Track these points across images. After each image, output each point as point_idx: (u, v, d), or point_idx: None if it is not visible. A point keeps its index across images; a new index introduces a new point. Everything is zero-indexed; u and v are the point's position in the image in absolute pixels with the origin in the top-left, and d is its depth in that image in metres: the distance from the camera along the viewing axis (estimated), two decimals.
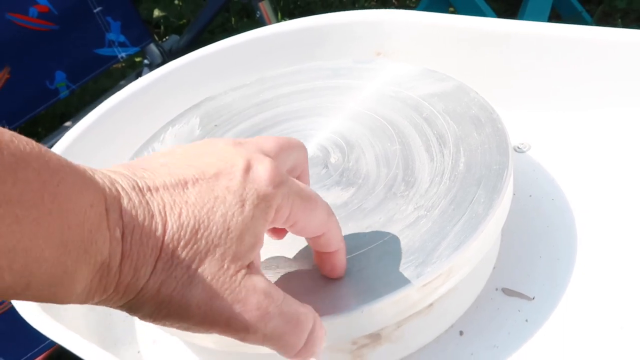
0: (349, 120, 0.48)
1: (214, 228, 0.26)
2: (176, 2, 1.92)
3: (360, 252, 0.37)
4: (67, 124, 1.30)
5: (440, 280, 0.35)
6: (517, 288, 0.41)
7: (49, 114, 1.25)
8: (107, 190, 0.24)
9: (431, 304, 0.37)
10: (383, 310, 0.34)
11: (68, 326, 0.39)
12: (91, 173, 0.25)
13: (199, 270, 0.25)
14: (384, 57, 0.60)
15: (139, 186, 0.26)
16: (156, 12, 1.74)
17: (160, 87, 0.60)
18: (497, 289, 0.41)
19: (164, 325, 0.27)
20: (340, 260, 0.34)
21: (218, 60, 0.62)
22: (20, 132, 0.22)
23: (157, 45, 1.30)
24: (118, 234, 0.24)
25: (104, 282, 0.24)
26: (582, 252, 0.43)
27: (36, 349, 1.03)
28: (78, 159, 0.51)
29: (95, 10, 1.19)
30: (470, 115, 0.45)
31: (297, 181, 0.30)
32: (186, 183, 0.27)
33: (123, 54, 1.25)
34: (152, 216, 0.25)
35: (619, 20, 1.50)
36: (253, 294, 0.26)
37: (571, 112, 0.52)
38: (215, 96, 0.55)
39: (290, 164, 0.33)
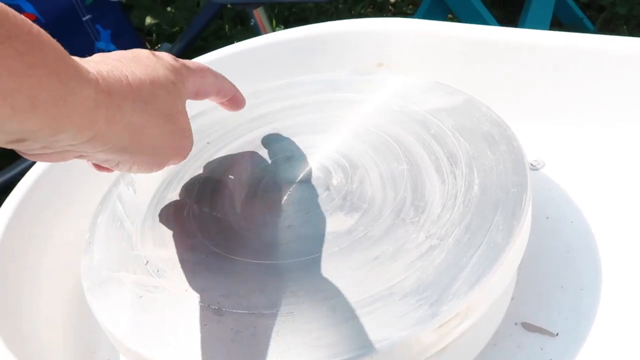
0: (351, 137, 0.44)
1: (163, 81, 0.34)
2: (169, 9, 1.89)
3: (367, 287, 0.33)
4: None
5: (457, 320, 0.32)
6: (538, 322, 0.38)
7: None
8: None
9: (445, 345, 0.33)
10: (394, 353, 0.31)
11: None
12: None
13: (167, 110, 0.34)
14: (385, 68, 0.56)
15: (87, 60, 0.31)
16: (148, 20, 1.70)
17: None
18: (516, 324, 0.38)
19: (140, 169, 0.34)
20: (240, 97, 0.44)
21: (216, 69, 0.59)
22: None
23: None
24: (94, 76, 0.29)
25: (95, 113, 0.28)
26: (607, 280, 0.39)
27: None
28: (71, 173, 0.47)
29: (84, 19, 1.16)
30: (482, 131, 0.42)
31: (188, 61, 0.39)
32: (120, 60, 0.33)
33: None
34: (112, 71, 0.31)
35: (624, 27, 1.47)
36: (189, 128, 0.37)
37: (587, 127, 0.49)
38: (207, 111, 0.51)
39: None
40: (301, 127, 0.47)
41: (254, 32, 1.07)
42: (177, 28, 1.79)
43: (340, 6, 1.83)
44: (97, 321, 0.36)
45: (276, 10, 1.83)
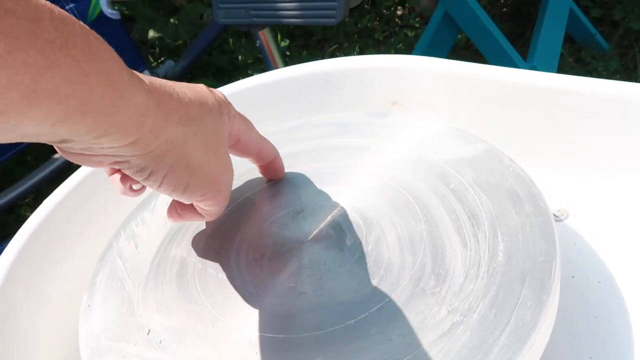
0: (366, 191, 0.42)
1: (212, 108, 0.35)
2: (172, 20, 1.87)
3: None
4: (57, 155, 1.24)
5: None
6: None
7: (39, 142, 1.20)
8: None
9: None
10: None
11: None
12: None
13: (211, 137, 0.34)
14: (400, 106, 0.54)
15: (147, 77, 0.32)
16: (151, 33, 1.68)
17: None
18: None
19: (170, 186, 0.33)
20: (280, 165, 0.44)
21: None
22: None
23: (152, 72, 1.25)
24: (146, 86, 0.30)
25: (142, 119, 0.29)
26: None
27: None
28: (79, 206, 0.45)
29: None
30: (506, 188, 0.39)
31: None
32: (173, 84, 0.33)
33: None
34: (164, 86, 0.32)
35: (636, 49, 1.44)
36: (230, 165, 0.37)
37: (616, 179, 0.46)
38: None
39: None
40: (312, 177, 0.44)
41: (256, 49, 1.05)
42: (180, 41, 1.77)
43: (347, 19, 1.81)
44: None
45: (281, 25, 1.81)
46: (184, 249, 0.41)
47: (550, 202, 0.46)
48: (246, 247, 0.40)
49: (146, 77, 0.31)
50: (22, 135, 0.25)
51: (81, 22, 0.27)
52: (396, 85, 0.54)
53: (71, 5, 1.09)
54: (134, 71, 0.30)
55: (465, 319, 0.32)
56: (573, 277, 0.42)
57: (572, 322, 0.39)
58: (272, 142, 0.49)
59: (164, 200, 0.45)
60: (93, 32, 0.27)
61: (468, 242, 0.36)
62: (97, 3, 1.11)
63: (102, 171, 0.52)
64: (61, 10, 0.26)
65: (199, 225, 0.42)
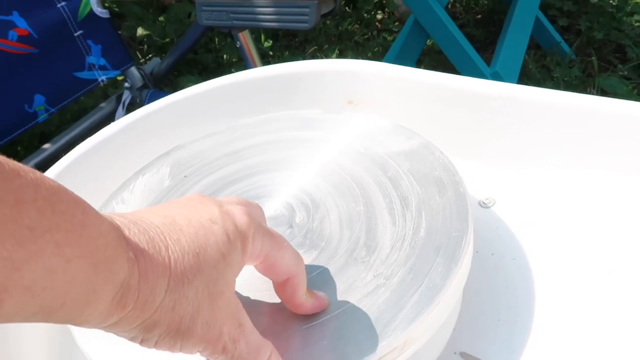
0: (316, 176, 0.49)
1: (212, 254, 0.30)
2: (161, 19, 1.92)
3: (317, 322, 0.37)
4: (46, 146, 1.30)
5: (395, 353, 0.36)
6: (476, 352, 0.42)
7: (28, 133, 1.25)
8: (112, 221, 0.27)
9: None
10: None
11: None
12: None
13: (205, 291, 0.29)
14: (355, 105, 0.61)
15: (133, 221, 0.29)
16: (140, 31, 1.74)
17: (133, 131, 0.61)
18: (455, 353, 0.42)
19: (164, 347, 0.29)
20: (312, 306, 0.37)
21: (192, 104, 0.63)
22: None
23: (139, 69, 1.31)
24: (131, 255, 0.27)
25: (125, 299, 0.26)
26: (539, 315, 0.43)
27: None
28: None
29: (76, 34, 1.20)
30: (434, 176, 0.46)
31: (265, 227, 0.34)
32: (173, 217, 0.30)
33: (103, 78, 1.25)
34: (153, 240, 0.28)
35: (594, 57, 1.53)
36: (237, 316, 0.31)
37: (536, 172, 0.54)
38: (186, 144, 0.55)
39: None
40: (272, 164, 0.51)
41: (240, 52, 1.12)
42: (167, 39, 1.83)
43: (328, 22, 1.88)
44: None
45: None
46: None
47: (478, 191, 0.53)
48: None
49: (134, 233, 0.28)
50: None
51: (68, 190, 0.25)
52: (352, 86, 0.60)
53: (62, 3, 1.15)
54: (118, 229, 0.27)
55: (387, 282, 0.39)
56: (492, 254, 0.49)
57: (485, 291, 0.46)
58: (241, 133, 0.55)
59: (143, 181, 0.52)
60: (79, 199, 0.25)
61: (397, 221, 0.43)
62: (88, 2, 1.16)
63: (86, 160, 0.58)
64: (48, 181, 0.24)
65: None
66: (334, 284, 0.40)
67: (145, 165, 0.54)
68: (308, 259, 0.42)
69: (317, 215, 0.45)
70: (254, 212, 0.36)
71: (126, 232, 0.27)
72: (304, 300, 0.36)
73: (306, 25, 0.88)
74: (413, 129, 0.51)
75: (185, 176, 0.52)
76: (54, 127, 1.55)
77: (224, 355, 0.31)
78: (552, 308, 0.44)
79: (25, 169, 0.23)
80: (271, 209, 0.46)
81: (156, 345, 0.29)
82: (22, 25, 1.13)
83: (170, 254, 0.28)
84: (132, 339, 0.29)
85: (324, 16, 0.91)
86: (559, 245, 0.48)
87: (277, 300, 0.38)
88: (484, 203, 0.53)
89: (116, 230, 0.27)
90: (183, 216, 0.30)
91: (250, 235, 0.32)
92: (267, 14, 0.92)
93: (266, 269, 0.35)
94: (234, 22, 0.98)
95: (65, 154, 0.58)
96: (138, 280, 0.26)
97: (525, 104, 0.54)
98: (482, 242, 0.49)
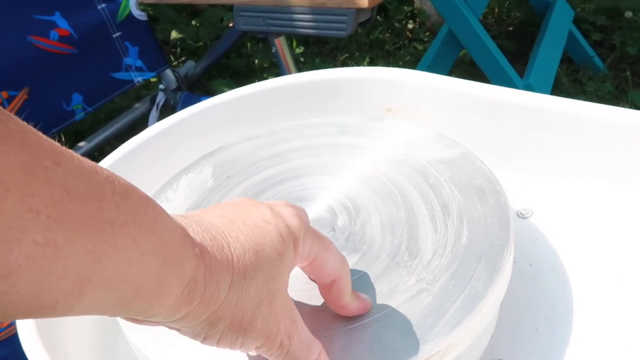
0: (358, 182, 0.49)
1: (269, 252, 0.31)
2: (193, 23, 1.95)
3: (360, 323, 0.38)
4: (81, 144, 1.32)
5: (437, 357, 0.36)
6: None
7: (64, 131, 1.28)
8: (176, 219, 0.28)
9: None
10: None
11: None
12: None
13: (265, 288, 0.30)
14: (394, 113, 0.62)
15: (194, 220, 0.30)
16: (174, 34, 1.76)
17: (175, 132, 0.62)
18: None
19: (226, 343, 0.30)
20: (356, 308, 0.38)
21: (233, 107, 0.64)
22: None
23: (173, 71, 1.33)
24: (197, 251, 0.28)
25: (192, 294, 0.27)
26: (578, 326, 0.44)
27: None
28: None
29: (114, 35, 1.22)
30: (474, 185, 0.47)
31: (311, 228, 0.35)
32: (229, 217, 0.31)
33: (139, 79, 1.27)
34: (215, 238, 0.29)
35: (628, 72, 1.52)
36: (291, 313, 0.32)
37: (574, 184, 0.54)
38: (228, 146, 0.57)
39: None
40: (313, 168, 0.52)
41: (272, 54, 1.13)
42: (200, 43, 1.85)
43: (359, 30, 1.89)
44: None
45: None
46: None
47: (517, 202, 0.54)
48: None
49: (197, 231, 0.29)
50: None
51: (137, 188, 0.25)
52: (391, 94, 0.61)
53: (103, 5, 1.18)
54: (185, 229, 0.28)
55: (429, 286, 0.40)
56: (530, 265, 0.49)
57: (523, 301, 0.46)
58: (283, 137, 0.56)
59: (186, 180, 0.53)
60: (147, 196, 0.26)
61: (438, 228, 0.44)
62: (127, 4, 1.19)
63: (133, 156, 0.60)
64: (119, 177, 0.25)
65: (215, 203, 0.50)
66: (376, 287, 0.40)
67: (189, 164, 0.55)
68: (350, 261, 0.42)
69: (358, 219, 0.46)
70: (302, 214, 0.37)
71: (190, 230, 0.28)
72: (349, 302, 0.37)
73: (343, 33, 0.89)
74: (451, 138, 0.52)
75: (228, 177, 0.53)
76: (88, 126, 1.58)
77: (279, 351, 0.31)
78: (591, 320, 0.44)
79: (98, 166, 0.24)
80: (313, 211, 0.47)
81: (219, 342, 0.29)
82: (63, 25, 1.15)
83: (232, 251, 0.29)
84: (195, 337, 0.29)
85: (360, 24, 0.92)
86: (598, 257, 0.48)
87: (319, 300, 0.39)
88: (521, 214, 0.53)
89: (181, 227, 0.28)
90: (238, 217, 0.31)
91: (301, 236, 0.33)
92: (304, 21, 0.93)
93: (313, 271, 0.35)
94: (271, 27, 0.99)
95: (99, 152, 0.59)
96: (204, 276, 0.27)
97: (564, 116, 0.54)
98: (520, 252, 0.49)
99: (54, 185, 0.21)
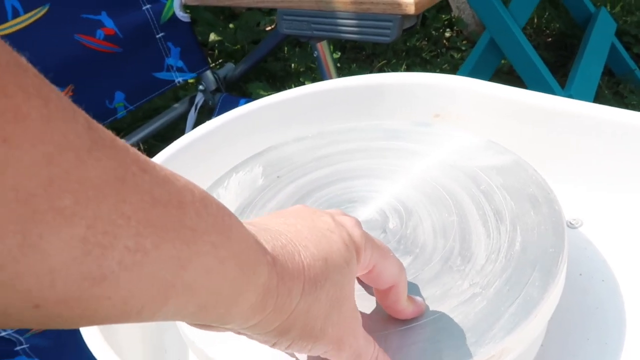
0: (408, 185, 0.50)
1: (337, 260, 0.31)
2: (231, 26, 1.97)
3: (414, 324, 0.38)
4: None
5: None
6: None
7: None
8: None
9: None
10: None
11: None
12: None
13: (334, 296, 0.30)
14: (442, 119, 0.62)
15: (263, 228, 0.30)
16: (212, 37, 1.79)
17: (224, 131, 0.63)
18: None
19: (296, 349, 0.30)
20: (412, 312, 0.38)
21: (281, 109, 0.65)
22: None
23: (213, 72, 1.34)
24: (269, 258, 0.28)
25: (265, 301, 0.27)
26: (630, 337, 0.43)
27: None
28: None
29: (158, 36, 1.24)
30: (527, 192, 0.47)
31: (370, 236, 0.35)
32: (295, 226, 0.31)
33: (180, 79, 1.29)
34: (285, 247, 0.29)
35: None
36: (357, 317, 0.33)
37: (625, 195, 0.53)
38: (278, 146, 0.57)
39: None
40: (363, 171, 0.52)
41: (312, 56, 1.14)
42: (238, 46, 1.87)
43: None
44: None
45: None
46: None
47: (567, 211, 0.53)
48: None
49: (267, 239, 0.29)
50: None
51: (214, 197, 0.25)
52: (439, 100, 0.61)
53: (148, 6, 1.20)
54: (256, 236, 0.28)
55: (483, 291, 0.40)
56: (580, 274, 0.49)
57: (573, 310, 0.46)
58: (331, 139, 0.57)
59: (237, 179, 0.54)
60: (221, 204, 0.26)
61: (491, 233, 0.44)
62: (171, 5, 1.21)
63: (175, 159, 0.61)
64: (197, 186, 0.25)
65: (266, 202, 0.51)
66: (429, 289, 0.40)
67: (239, 163, 0.56)
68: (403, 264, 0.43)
69: (410, 222, 0.46)
70: (359, 224, 0.37)
71: (260, 238, 0.28)
72: (405, 307, 0.37)
73: (387, 39, 0.90)
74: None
75: (278, 176, 0.54)
76: (126, 125, 1.61)
77: (347, 354, 0.32)
78: None
79: (176, 173, 0.24)
80: (364, 214, 0.48)
81: (288, 347, 0.30)
82: (109, 25, 1.18)
83: (302, 259, 0.29)
84: (265, 342, 0.30)
85: (404, 31, 0.92)
86: None
87: (371, 301, 0.40)
88: (571, 223, 0.53)
89: (253, 235, 0.28)
90: (304, 225, 0.32)
91: (362, 245, 0.33)
92: (348, 26, 0.94)
93: (372, 278, 0.36)
94: (315, 32, 1.00)
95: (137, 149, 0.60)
96: (277, 284, 0.27)
97: (614, 125, 0.54)
98: (570, 262, 0.49)
99: (142, 191, 0.21)
